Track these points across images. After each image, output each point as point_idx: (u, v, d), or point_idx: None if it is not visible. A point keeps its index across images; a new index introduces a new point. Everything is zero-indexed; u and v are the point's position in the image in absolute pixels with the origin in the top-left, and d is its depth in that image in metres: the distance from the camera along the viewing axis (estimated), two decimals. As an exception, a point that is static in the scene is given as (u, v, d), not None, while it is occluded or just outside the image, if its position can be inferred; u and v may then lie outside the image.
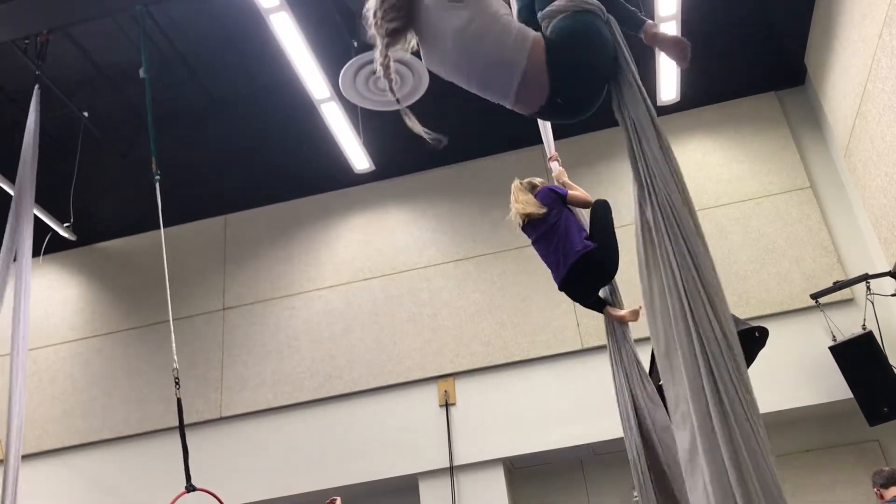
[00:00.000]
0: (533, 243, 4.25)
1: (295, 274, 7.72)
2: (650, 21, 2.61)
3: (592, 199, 4.24)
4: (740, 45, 6.98)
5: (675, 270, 2.19)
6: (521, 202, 4.22)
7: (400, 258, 7.56)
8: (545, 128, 4.58)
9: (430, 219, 7.69)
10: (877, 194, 6.00)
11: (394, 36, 2.59)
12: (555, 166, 4.50)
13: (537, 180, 4.40)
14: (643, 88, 2.47)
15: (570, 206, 4.22)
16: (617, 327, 3.99)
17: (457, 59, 2.53)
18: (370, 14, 2.62)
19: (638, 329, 3.79)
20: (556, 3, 2.47)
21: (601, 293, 4.12)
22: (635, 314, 3.96)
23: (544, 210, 4.13)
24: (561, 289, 4.13)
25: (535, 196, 4.22)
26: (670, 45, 2.64)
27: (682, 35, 6.18)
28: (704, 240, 2.24)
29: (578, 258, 3.97)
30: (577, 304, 4.32)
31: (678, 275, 2.18)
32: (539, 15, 2.54)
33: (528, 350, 6.89)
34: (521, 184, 4.36)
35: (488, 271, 7.28)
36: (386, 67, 2.61)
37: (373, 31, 2.60)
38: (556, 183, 4.39)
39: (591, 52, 2.44)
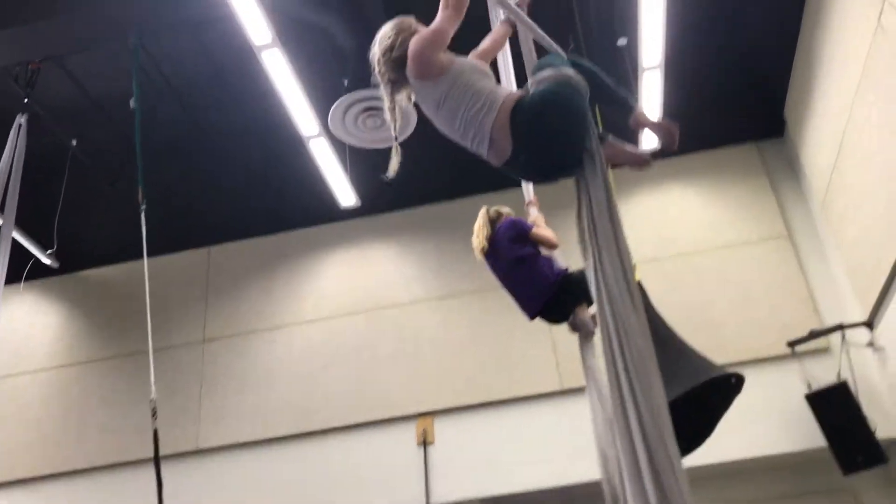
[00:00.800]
0: (495, 274, 4.27)
1: (277, 307, 7.72)
2: (641, 108, 2.81)
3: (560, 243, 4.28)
4: (722, 95, 7.14)
5: (613, 343, 2.37)
6: (476, 233, 4.29)
7: (383, 294, 7.59)
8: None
9: (415, 255, 7.74)
10: (852, 246, 6.12)
11: (395, 84, 2.90)
12: (532, 211, 4.51)
13: (505, 210, 4.42)
14: (605, 167, 2.61)
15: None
16: (593, 367, 4.03)
17: (441, 122, 2.91)
18: (374, 62, 2.93)
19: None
20: (543, 72, 2.68)
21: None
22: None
23: (485, 244, 4.19)
24: (533, 318, 4.15)
25: (498, 227, 4.26)
26: (660, 129, 2.79)
27: (665, 85, 6.38)
28: (642, 316, 2.40)
29: (557, 283, 4.00)
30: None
31: (614, 345, 2.36)
32: (529, 80, 2.76)
33: (508, 390, 6.90)
34: (486, 212, 4.40)
35: (472, 309, 7.31)
36: (391, 111, 2.95)
37: (377, 77, 2.90)
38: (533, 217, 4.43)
39: (556, 119, 2.62)
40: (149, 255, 5.24)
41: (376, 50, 2.89)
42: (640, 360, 2.27)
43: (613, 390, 2.27)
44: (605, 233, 2.51)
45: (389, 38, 2.87)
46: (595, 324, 4.04)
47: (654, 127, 2.80)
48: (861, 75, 5.39)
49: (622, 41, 6.48)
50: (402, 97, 2.91)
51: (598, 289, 2.46)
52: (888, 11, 4.81)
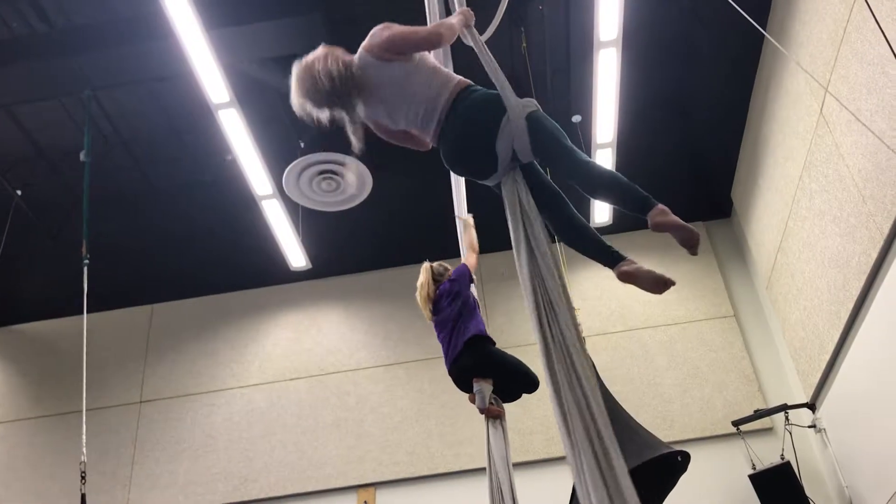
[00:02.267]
0: (434, 326, 4.32)
1: (218, 370, 7.52)
2: (661, 206, 2.68)
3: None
4: (672, 174, 7.31)
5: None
6: (419, 288, 4.37)
7: (329, 359, 7.46)
8: (456, 183, 4.59)
9: (363, 321, 7.65)
10: (796, 327, 6.23)
11: (348, 99, 2.78)
12: (460, 226, 4.65)
13: (447, 266, 4.50)
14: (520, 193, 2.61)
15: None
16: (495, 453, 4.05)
17: (394, 101, 2.83)
18: (303, 111, 2.83)
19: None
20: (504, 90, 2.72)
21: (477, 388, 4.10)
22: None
23: (428, 303, 4.27)
24: (449, 372, 4.16)
25: (443, 284, 4.33)
26: (680, 231, 2.66)
27: (617, 161, 6.52)
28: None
29: (470, 338, 4.05)
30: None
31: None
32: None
33: (453, 462, 6.78)
34: (429, 268, 4.45)
35: (418, 378, 7.22)
36: (355, 126, 2.83)
37: (330, 106, 2.78)
38: (462, 229, 4.52)
39: (479, 117, 2.70)
40: (89, 310, 5.07)
41: (324, 82, 2.73)
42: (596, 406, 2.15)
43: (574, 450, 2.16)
44: (517, 241, 2.51)
45: (329, 61, 2.75)
46: (495, 407, 4.08)
47: (676, 228, 2.70)
48: (804, 163, 5.58)
49: (576, 118, 6.64)
50: (358, 109, 2.82)
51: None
52: (830, 103, 5.01)
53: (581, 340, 2.32)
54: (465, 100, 2.76)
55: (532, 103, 2.72)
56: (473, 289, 4.42)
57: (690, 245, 2.64)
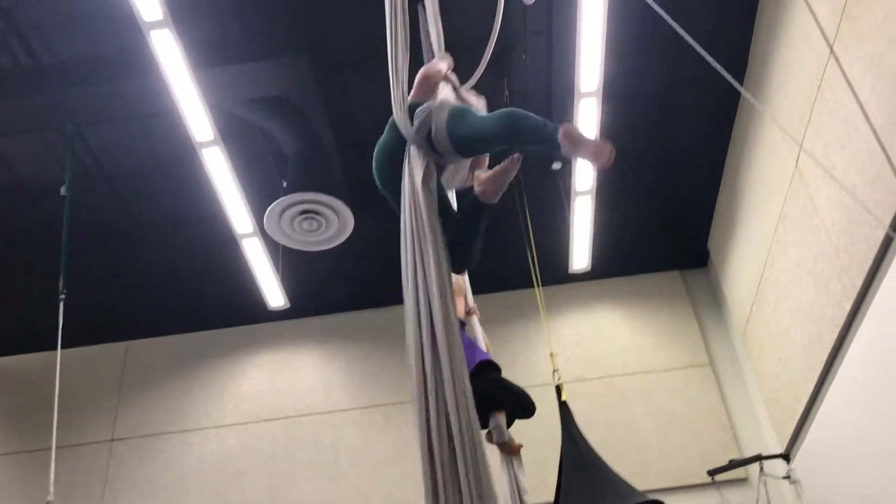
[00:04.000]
0: None
1: (193, 409, 7.42)
2: (565, 128, 2.56)
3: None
4: (649, 223, 7.41)
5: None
6: None
7: (305, 401, 7.39)
8: None
9: (341, 362, 7.60)
10: (770, 378, 6.28)
11: None
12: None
13: None
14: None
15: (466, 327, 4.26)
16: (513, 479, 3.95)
17: None
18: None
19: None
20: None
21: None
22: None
23: None
24: None
25: None
26: (589, 150, 2.57)
27: (596, 210, 6.60)
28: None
29: (478, 364, 3.94)
30: None
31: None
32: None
33: (426, 507, 6.69)
34: None
35: (395, 421, 7.16)
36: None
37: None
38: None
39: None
40: (63, 346, 5.02)
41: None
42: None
43: None
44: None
45: None
46: (510, 440, 3.96)
47: (585, 147, 2.55)
48: (780, 215, 5.67)
49: (556, 165, 6.71)
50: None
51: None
52: (805, 157, 5.12)
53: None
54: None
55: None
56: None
57: (601, 161, 2.53)
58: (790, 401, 5.92)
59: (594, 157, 2.54)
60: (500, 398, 4.00)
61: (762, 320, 6.30)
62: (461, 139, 2.79)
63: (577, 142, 2.52)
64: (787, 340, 5.82)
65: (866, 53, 4.22)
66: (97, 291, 7.32)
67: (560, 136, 2.52)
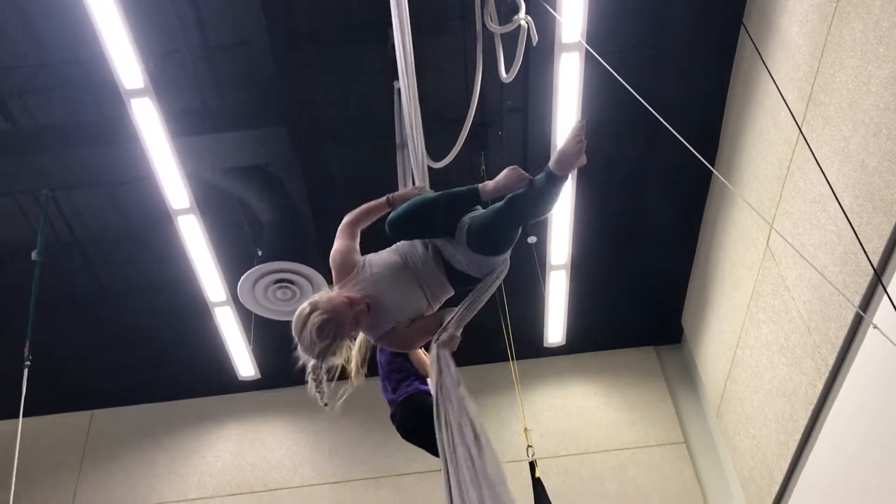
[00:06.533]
0: None
1: (157, 482, 7.20)
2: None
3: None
4: (623, 298, 7.43)
5: None
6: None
7: (272, 475, 7.20)
8: None
9: (309, 435, 7.45)
10: (745, 456, 6.23)
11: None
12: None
13: None
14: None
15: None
16: None
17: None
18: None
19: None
20: None
21: None
22: None
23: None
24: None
25: None
26: (573, 154, 2.72)
27: (571, 284, 6.63)
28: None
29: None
30: None
31: None
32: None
33: (395, 588, 6.50)
34: None
35: (364, 498, 6.98)
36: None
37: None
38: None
39: None
40: (25, 414, 4.88)
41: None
42: None
43: None
44: None
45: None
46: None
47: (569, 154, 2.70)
48: (752, 293, 5.73)
49: (532, 239, 6.75)
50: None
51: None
52: (775, 237, 5.20)
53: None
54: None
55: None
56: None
57: (582, 149, 2.69)
58: (765, 480, 5.86)
59: (578, 153, 2.69)
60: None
61: (736, 398, 6.29)
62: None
63: (564, 158, 2.69)
64: (761, 418, 5.80)
65: (833, 137, 4.34)
66: (63, 358, 7.16)
67: (553, 167, 2.70)
